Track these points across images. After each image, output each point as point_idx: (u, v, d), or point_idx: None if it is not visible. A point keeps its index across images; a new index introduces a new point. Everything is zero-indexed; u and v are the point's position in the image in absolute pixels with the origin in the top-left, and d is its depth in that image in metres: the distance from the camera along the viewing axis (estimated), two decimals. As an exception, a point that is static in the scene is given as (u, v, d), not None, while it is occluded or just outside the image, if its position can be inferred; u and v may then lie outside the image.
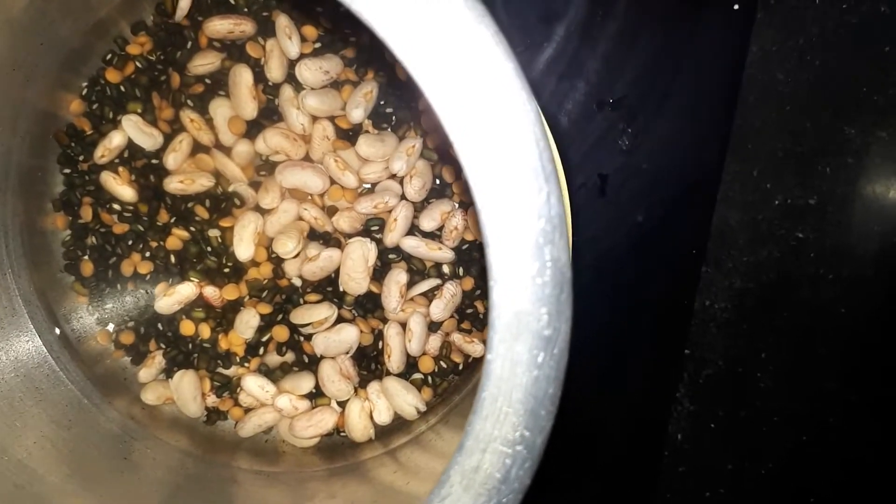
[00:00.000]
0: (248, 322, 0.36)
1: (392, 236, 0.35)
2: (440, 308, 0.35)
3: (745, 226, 0.39)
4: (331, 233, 0.36)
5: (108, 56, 0.35)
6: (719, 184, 0.39)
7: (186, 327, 0.36)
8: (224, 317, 0.36)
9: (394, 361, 0.35)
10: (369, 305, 0.36)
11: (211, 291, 0.36)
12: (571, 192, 0.39)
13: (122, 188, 0.35)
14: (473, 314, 0.37)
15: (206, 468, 0.36)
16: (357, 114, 0.35)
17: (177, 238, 0.36)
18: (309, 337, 0.36)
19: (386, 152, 0.35)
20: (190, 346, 0.37)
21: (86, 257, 0.37)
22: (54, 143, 0.35)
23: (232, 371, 0.37)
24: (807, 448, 0.41)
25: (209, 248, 0.36)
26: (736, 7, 0.38)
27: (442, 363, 0.36)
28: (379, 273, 0.36)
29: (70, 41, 0.34)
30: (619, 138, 0.38)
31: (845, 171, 0.39)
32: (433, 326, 0.36)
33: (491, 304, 0.18)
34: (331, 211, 0.36)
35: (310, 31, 0.35)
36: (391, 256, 0.36)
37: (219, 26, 0.34)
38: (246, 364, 0.37)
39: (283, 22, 0.34)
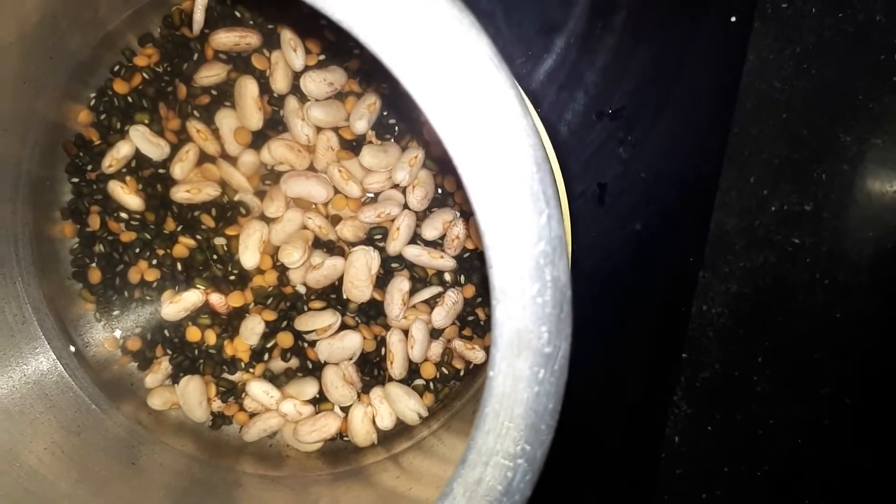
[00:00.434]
0: (253, 329, 0.36)
1: (395, 245, 0.35)
2: (442, 315, 0.36)
3: (742, 232, 0.40)
4: (334, 241, 0.37)
5: (116, 68, 0.36)
6: (716, 191, 0.39)
7: (192, 333, 0.37)
8: (229, 323, 0.37)
9: (396, 367, 0.36)
10: (372, 312, 0.37)
11: (217, 298, 0.36)
12: (571, 200, 0.39)
13: (129, 197, 0.36)
14: (475, 321, 0.37)
15: (212, 472, 0.36)
16: (361, 125, 0.35)
17: (183, 246, 0.36)
18: (313, 343, 0.37)
19: (389, 162, 0.35)
20: (196, 352, 0.37)
21: (93, 265, 0.37)
22: (63, 153, 0.36)
23: (237, 377, 0.37)
24: (802, 450, 0.41)
25: (215, 256, 0.36)
26: (733, 19, 0.38)
27: (443, 369, 0.37)
28: (382, 281, 0.36)
29: (79, 54, 0.34)
30: (618, 148, 0.39)
31: (841, 178, 0.39)
32: (435, 333, 0.37)
33: (494, 323, 0.19)
34: (334, 220, 0.37)
35: (314, 43, 0.36)
36: (394, 265, 0.36)
37: (225, 39, 0.35)
38: (251, 370, 0.37)
39: (288, 35, 0.35)
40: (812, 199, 0.39)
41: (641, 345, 0.41)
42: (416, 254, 0.36)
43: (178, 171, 0.36)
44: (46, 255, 0.36)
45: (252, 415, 0.37)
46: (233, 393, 0.37)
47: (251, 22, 0.36)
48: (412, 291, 0.36)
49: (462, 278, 0.37)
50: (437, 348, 0.37)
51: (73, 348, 0.37)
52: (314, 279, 0.36)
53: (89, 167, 0.36)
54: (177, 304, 0.36)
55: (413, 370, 0.37)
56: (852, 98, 0.39)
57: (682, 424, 0.42)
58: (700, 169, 0.40)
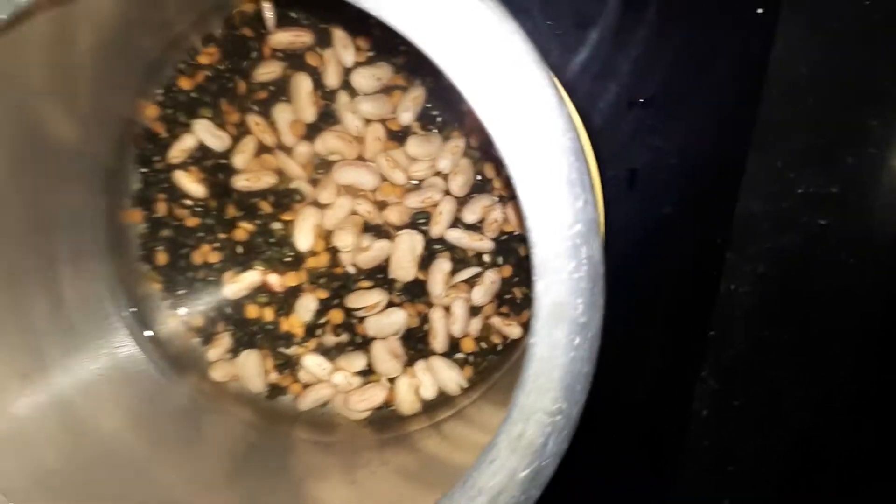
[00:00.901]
0: (307, 306, 0.38)
1: (437, 228, 0.37)
2: (481, 294, 0.38)
3: (769, 214, 0.40)
4: (382, 225, 0.38)
5: (181, 66, 0.38)
6: (743, 175, 0.40)
7: (251, 311, 0.39)
8: (285, 301, 0.39)
9: (438, 342, 0.38)
10: (416, 291, 0.38)
11: (274, 279, 0.38)
12: (603, 185, 0.40)
13: (193, 185, 0.38)
14: (511, 299, 0.39)
15: (269, 438, 0.38)
16: (406, 117, 0.37)
17: (243, 230, 0.38)
18: (362, 320, 0.38)
19: (432, 152, 0.37)
20: (254, 328, 0.39)
21: (160, 248, 0.39)
22: (133, 146, 0.38)
23: (292, 350, 0.39)
24: (827, 426, 0.42)
25: (272, 240, 0.38)
26: (760, 11, 0.39)
27: (482, 344, 0.39)
28: (425, 262, 0.38)
29: (149, 55, 0.36)
30: (649, 135, 0.40)
31: (867, 161, 0.40)
32: (474, 310, 0.38)
33: (534, 296, 0.21)
34: (382, 205, 0.38)
35: (363, 41, 0.37)
36: (436, 247, 0.38)
37: (281, 38, 0.37)
38: (305, 344, 0.39)
39: (339, 34, 0.37)
40: (838, 182, 0.40)
41: (670, 323, 0.42)
42: (457, 236, 0.37)
43: (238, 161, 0.38)
44: (117, 240, 0.38)
45: (306, 385, 0.39)
46: (288, 365, 0.39)
47: (305, 22, 0.38)
48: (453, 272, 0.38)
49: (500, 259, 0.38)
50: (476, 324, 0.38)
51: (141, 325, 0.39)
52: (363, 260, 0.38)
53: (156, 158, 0.38)
54: (237, 284, 0.38)
55: (454, 345, 0.39)
56: (878, 84, 0.39)
57: (709, 399, 0.42)
58: (727, 154, 0.40)
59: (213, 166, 0.39)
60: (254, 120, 0.38)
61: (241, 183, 0.38)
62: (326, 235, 0.38)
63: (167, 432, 0.36)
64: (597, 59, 0.40)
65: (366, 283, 0.39)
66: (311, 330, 0.39)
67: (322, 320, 0.39)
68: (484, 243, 0.38)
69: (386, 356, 0.38)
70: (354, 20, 0.37)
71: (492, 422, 0.31)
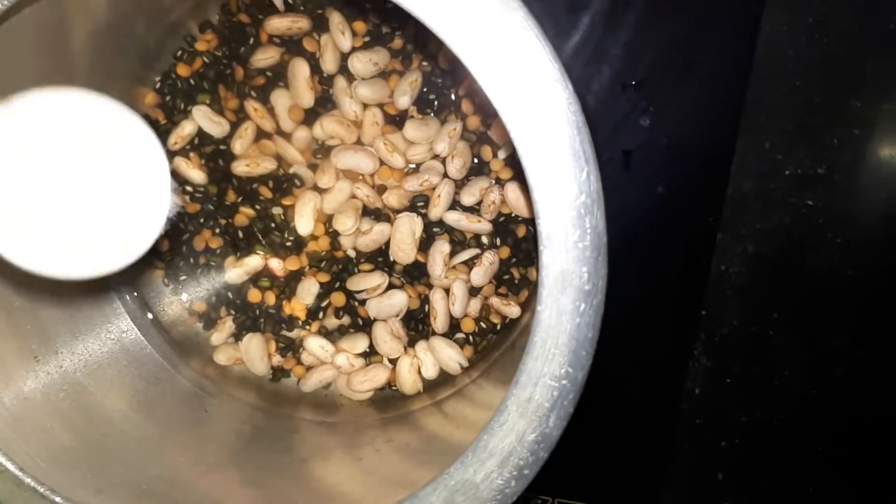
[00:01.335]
0: (308, 289, 0.39)
1: (436, 211, 0.38)
2: (480, 275, 0.38)
3: (758, 194, 0.41)
4: (381, 209, 0.39)
5: (179, 53, 0.38)
6: (734, 155, 0.41)
7: (253, 295, 0.39)
8: (287, 285, 0.39)
9: (439, 323, 0.38)
10: (416, 273, 0.39)
11: (275, 263, 0.39)
12: (599, 166, 0.41)
13: (193, 172, 0.38)
14: (510, 280, 0.39)
15: (273, 420, 0.38)
16: (404, 101, 0.38)
17: (243, 216, 0.39)
18: (363, 302, 0.39)
19: (430, 135, 0.38)
20: (257, 311, 0.40)
21: (162, 235, 0.40)
22: None
23: (295, 333, 0.40)
24: (816, 401, 0.43)
25: (273, 224, 0.39)
26: (747, -6, 0.40)
27: (482, 324, 0.39)
28: (425, 244, 0.38)
29: (145, 42, 0.37)
30: (641, 117, 0.41)
31: (852, 142, 0.40)
32: (473, 291, 0.39)
33: (540, 265, 0.22)
34: (381, 189, 0.39)
35: (360, 26, 0.38)
36: (435, 229, 0.39)
37: (278, 24, 0.37)
38: (307, 327, 0.40)
39: (336, 18, 0.37)
40: (825, 162, 0.41)
41: (663, 302, 0.43)
42: (455, 219, 0.38)
43: (237, 146, 0.38)
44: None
45: (309, 368, 0.40)
46: (291, 348, 0.40)
47: (302, 7, 0.38)
48: (452, 253, 0.38)
49: (498, 241, 0.39)
50: (475, 305, 0.39)
51: (145, 310, 0.39)
52: (363, 244, 0.38)
53: (156, 145, 0.39)
54: (239, 269, 0.39)
55: (454, 325, 0.39)
56: (863, 65, 0.40)
57: (701, 377, 0.43)
58: (718, 135, 0.41)
59: (213, 152, 0.39)
60: (252, 106, 0.38)
61: (240, 168, 0.38)
62: (326, 219, 0.39)
63: (174, 414, 0.37)
64: (589, 42, 0.40)
65: (366, 266, 0.39)
66: (313, 313, 0.40)
67: (324, 303, 0.39)
68: (482, 225, 0.38)
69: (387, 337, 0.39)
70: (351, 4, 0.37)
71: (492, 400, 0.32)
